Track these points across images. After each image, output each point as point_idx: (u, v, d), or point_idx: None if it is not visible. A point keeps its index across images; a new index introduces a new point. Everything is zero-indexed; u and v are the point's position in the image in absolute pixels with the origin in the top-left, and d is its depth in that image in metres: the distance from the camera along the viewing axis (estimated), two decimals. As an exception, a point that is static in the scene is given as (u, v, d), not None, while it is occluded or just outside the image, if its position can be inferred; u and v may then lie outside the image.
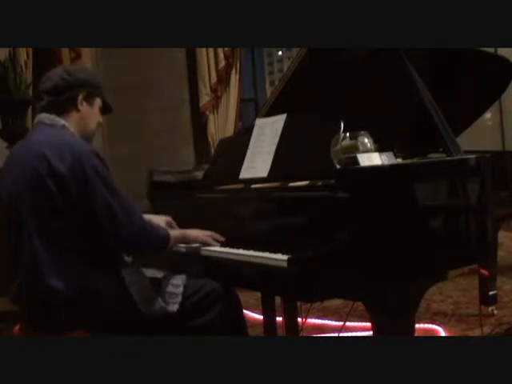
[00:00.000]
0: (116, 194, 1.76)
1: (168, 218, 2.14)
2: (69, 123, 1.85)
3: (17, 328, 1.89)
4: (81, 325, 1.72)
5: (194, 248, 2.00)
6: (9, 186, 1.80)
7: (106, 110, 1.99)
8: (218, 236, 1.99)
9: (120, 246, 1.82)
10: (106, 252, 1.78)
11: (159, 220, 2.10)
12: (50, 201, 1.70)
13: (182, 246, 2.03)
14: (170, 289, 1.84)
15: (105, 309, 1.74)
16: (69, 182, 1.70)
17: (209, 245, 1.97)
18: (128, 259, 1.87)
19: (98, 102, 1.93)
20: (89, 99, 1.89)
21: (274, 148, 2.04)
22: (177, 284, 1.86)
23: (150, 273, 1.92)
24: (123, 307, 1.76)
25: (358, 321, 3.14)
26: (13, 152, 1.90)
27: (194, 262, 2.05)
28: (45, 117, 1.84)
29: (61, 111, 1.84)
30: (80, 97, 1.86)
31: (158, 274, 1.93)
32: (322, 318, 3.35)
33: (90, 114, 1.90)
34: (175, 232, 1.99)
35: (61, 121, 1.83)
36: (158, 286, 1.85)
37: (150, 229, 1.86)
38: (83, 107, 1.87)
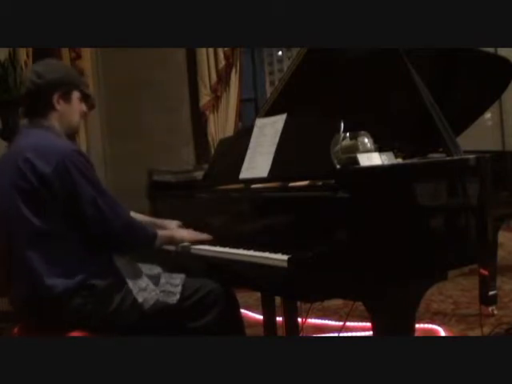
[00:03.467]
0: (102, 192, 1.79)
1: (178, 222, 2.15)
2: (51, 123, 1.85)
3: (16, 329, 1.89)
4: (81, 323, 1.73)
5: (183, 247, 2.03)
6: None
7: (86, 99, 1.96)
8: (204, 235, 2.03)
9: (108, 240, 1.82)
10: (98, 247, 1.79)
11: (170, 224, 2.12)
12: (39, 200, 1.72)
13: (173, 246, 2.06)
14: (168, 288, 1.85)
15: (103, 303, 1.75)
16: (54, 182, 1.71)
17: (199, 243, 2.01)
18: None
19: (75, 95, 1.91)
20: (64, 97, 1.87)
21: (273, 148, 2.04)
22: (175, 283, 1.86)
23: (147, 268, 1.93)
24: (121, 299, 1.77)
25: (358, 321, 3.13)
26: (1, 158, 1.91)
27: (193, 262, 2.05)
28: (28, 121, 1.88)
29: (40, 114, 1.85)
30: (55, 97, 1.85)
31: (155, 270, 1.94)
32: (321, 318, 3.34)
33: (69, 110, 1.89)
34: (164, 232, 2.00)
35: (43, 122, 1.85)
36: (157, 282, 1.85)
37: (136, 225, 1.89)
38: (60, 106, 1.86)
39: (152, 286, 1.82)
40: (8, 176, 1.77)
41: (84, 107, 1.95)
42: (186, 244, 2.03)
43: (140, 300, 1.78)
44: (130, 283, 1.79)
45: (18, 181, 1.73)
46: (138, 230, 1.89)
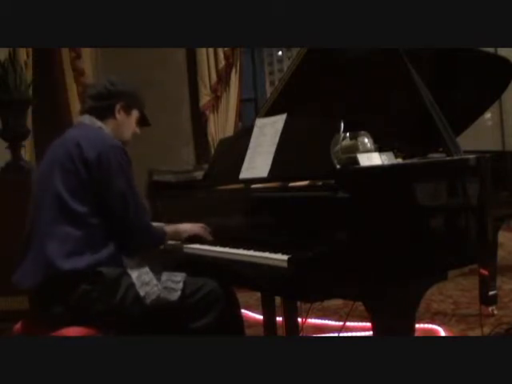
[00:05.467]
0: (133, 190, 1.91)
1: (203, 225, 2.13)
2: (105, 127, 2.00)
3: (18, 325, 1.89)
4: (84, 311, 1.76)
5: (174, 245, 2.05)
6: (43, 166, 1.96)
7: (143, 122, 2.14)
8: (207, 232, 2.08)
9: (125, 238, 1.91)
10: (112, 237, 1.86)
11: (194, 227, 2.11)
12: (77, 181, 1.84)
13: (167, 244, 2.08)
14: (169, 284, 1.86)
15: (108, 293, 1.78)
16: (94, 168, 1.84)
17: (198, 237, 2.05)
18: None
19: (135, 113, 2.08)
20: (126, 109, 2.05)
21: (273, 148, 2.04)
22: (176, 280, 1.88)
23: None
24: (124, 292, 1.80)
25: (358, 321, 3.14)
26: (51, 146, 2.00)
27: (194, 262, 2.05)
28: (85, 118, 2.02)
29: (100, 116, 2.01)
30: (118, 106, 2.02)
31: (156, 269, 1.95)
32: (321, 318, 3.35)
33: (125, 122, 2.06)
34: (169, 228, 2.07)
35: (98, 122, 2.00)
36: (158, 279, 1.87)
37: (152, 230, 2.00)
38: (120, 115, 2.04)
39: (155, 281, 1.84)
40: (57, 156, 1.89)
41: (138, 129, 2.12)
42: (176, 243, 2.05)
43: (142, 294, 1.81)
44: (134, 277, 1.83)
45: (63, 161, 1.86)
46: (152, 235, 2.00)
